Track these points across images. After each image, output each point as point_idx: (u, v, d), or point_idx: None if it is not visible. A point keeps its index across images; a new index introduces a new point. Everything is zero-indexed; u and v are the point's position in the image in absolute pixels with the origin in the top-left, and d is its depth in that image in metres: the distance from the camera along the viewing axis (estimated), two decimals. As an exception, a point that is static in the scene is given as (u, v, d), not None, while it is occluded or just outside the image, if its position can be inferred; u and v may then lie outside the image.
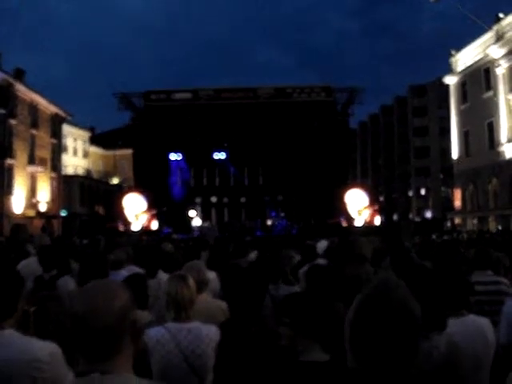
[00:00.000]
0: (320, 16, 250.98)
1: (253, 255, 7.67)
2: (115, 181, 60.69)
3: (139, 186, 30.51)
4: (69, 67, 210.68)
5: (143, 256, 6.19)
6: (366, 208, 27.82)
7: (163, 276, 5.37)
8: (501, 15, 36.38)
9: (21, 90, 41.11)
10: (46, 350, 2.33)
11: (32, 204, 42.47)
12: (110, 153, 65.09)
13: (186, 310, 3.46)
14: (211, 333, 3.39)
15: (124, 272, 5.47)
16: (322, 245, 6.92)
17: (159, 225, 29.16)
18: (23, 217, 39.95)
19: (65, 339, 2.37)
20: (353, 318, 1.63)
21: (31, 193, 42.68)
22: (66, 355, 2.37)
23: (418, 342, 1.61)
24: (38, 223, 41.85)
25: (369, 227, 26.18)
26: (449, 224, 46.31)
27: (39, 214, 42.90)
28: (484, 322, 3.31)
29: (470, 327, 3.18)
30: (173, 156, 34.61)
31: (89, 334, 1.63)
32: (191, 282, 3.59)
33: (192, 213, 35.94)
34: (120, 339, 1.68)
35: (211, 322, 3.53)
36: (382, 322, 1.55)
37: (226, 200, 38.90)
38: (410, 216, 68.83)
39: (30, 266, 6.36)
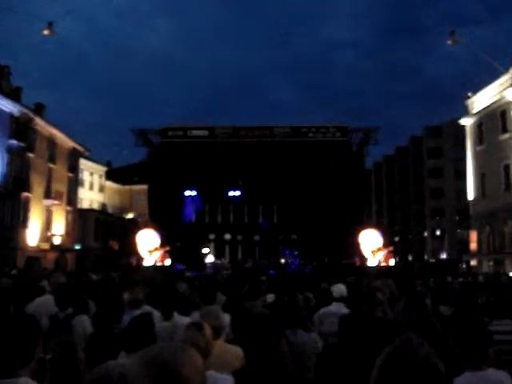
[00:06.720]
0: (335, 55, 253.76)
1: (269, 297, 7.62)
2: (130, 216, 60.92)
3: (154, 222, 30.57)
4: (88, 103, 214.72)
5: (158, 297, 6.18)
6: (380, 249, 27.51)
7: (179, 319, 5.35)
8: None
9: (40, 124, 41.74)
10: None
11: (47, 237, 42.63)
12: (125, 188, 65.67)
13: None
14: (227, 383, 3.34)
15: (139, 312, 5.45)
16: (338, 289, 6.84)
17: (172, 261, 29.13)
18: (37, 250, 40.16)
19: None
20: (377, 376, 1.61)
21: (46, 226, 42.88)
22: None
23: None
24: (52, 256, 42.04)
25: (383, 268, 25.89)
26: (464, 266, 45.77)
27: (53, 247, 43.04)
28: (503, 377, 3.23)
29: (488, 383, 3.12)
30: (188, 192, 34.87)
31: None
32: (208, 331, 3.55)
33: (205, 250, 35.96)
34: None
35: (227, 369, 3.48)
36: (407, 380, 1.54)
37: (239, 237, 38.86)
38: (425, 257, 68.18)
39: (45, 303, 6.39)
